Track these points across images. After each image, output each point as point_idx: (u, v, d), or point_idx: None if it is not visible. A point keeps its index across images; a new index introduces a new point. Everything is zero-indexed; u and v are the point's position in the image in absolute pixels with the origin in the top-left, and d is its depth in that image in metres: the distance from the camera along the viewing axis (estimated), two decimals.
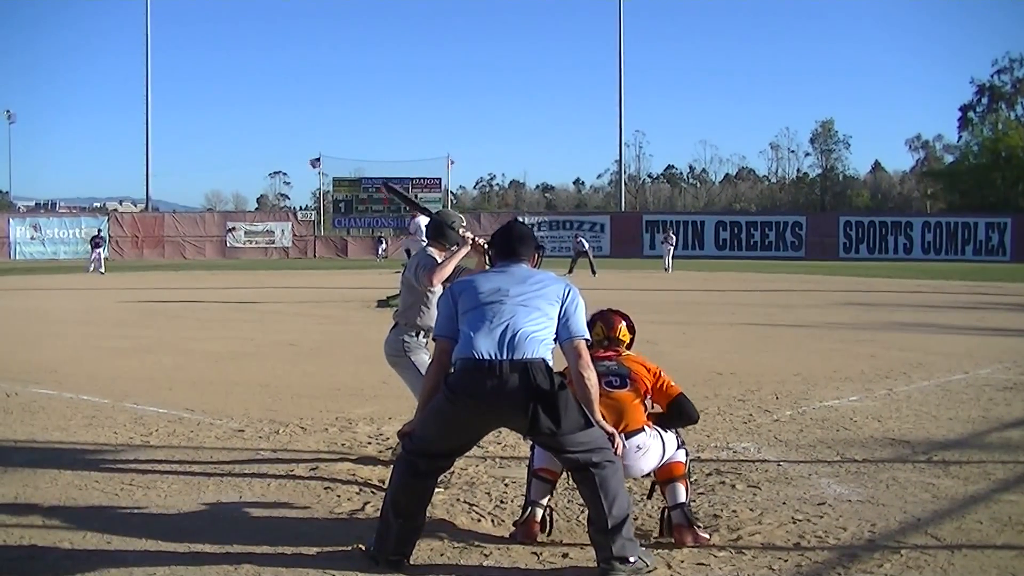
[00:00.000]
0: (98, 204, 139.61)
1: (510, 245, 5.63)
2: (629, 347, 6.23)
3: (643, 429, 5.66)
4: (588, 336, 5.38)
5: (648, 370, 5.93)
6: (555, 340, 5.24)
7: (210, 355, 14.48)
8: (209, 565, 5.23)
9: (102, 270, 43.59)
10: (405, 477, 5.24)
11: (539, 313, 5.21)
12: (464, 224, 7.52)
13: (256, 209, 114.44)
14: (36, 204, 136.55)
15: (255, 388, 11.36)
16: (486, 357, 5.03)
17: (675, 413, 5.97)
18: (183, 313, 22.61)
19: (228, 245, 68.46)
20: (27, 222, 68.64)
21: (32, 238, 65.69)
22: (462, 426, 5.19)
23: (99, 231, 55.12)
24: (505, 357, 5.02)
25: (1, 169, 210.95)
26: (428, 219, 7.92)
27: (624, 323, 6.23)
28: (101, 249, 45.36)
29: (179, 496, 6.67)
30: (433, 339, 5.57)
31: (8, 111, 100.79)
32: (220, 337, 17.14)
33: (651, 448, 5.66)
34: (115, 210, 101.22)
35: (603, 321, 6.22)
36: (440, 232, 7.45)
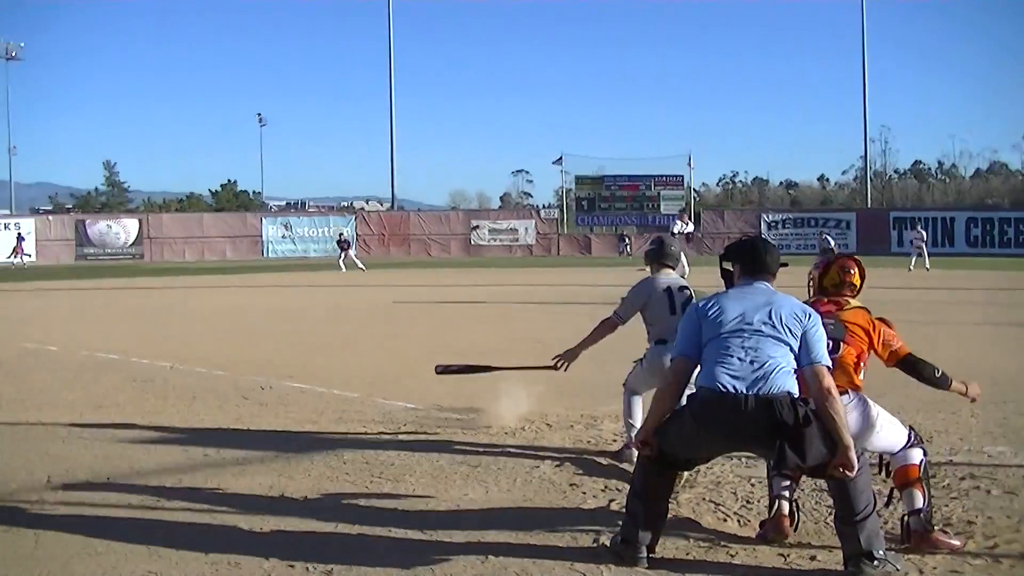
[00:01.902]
0: (346, 203, 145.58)
1: (759, 261, 5.68)
2: (857, 293, 6.26)
3: (845, 392, 5.59)
4: (829, 362, 5.36)
5: (868, 329, 5.94)
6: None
7: (455, 351, 15.10)
8: (457, 556, 5.54)
9: (361, 266, 45.75)
10: (647, 475, 5.45)
11: (782, 342, 5.27)
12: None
13: (500, 207, 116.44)
14: (287, 204, 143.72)
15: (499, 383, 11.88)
16: (730, 391, 5.14)
17: (910, 373, 6.01)
18: (428, 309, 23.49)
19: (472, 243, 69.89)
20: (279, 221, 72.17)
21: (284, 237, 69.21)
22: (703, 445, 5.37)
23: (341, 233, 57.55)
24: (750, 392, 5.12)
25: (254, 170, 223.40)
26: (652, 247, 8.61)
27: (856, 268, 6.26)
28: (351, 250, 47.79)
29: (427, 490, 7.02)
30: (672, 359, 5.70)
31: (259, 115, 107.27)
32: (465, 334, 17.75)
33: (849, 415, 5.52)
34: (362, 209, 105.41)
35: (839, 266, 6.26)
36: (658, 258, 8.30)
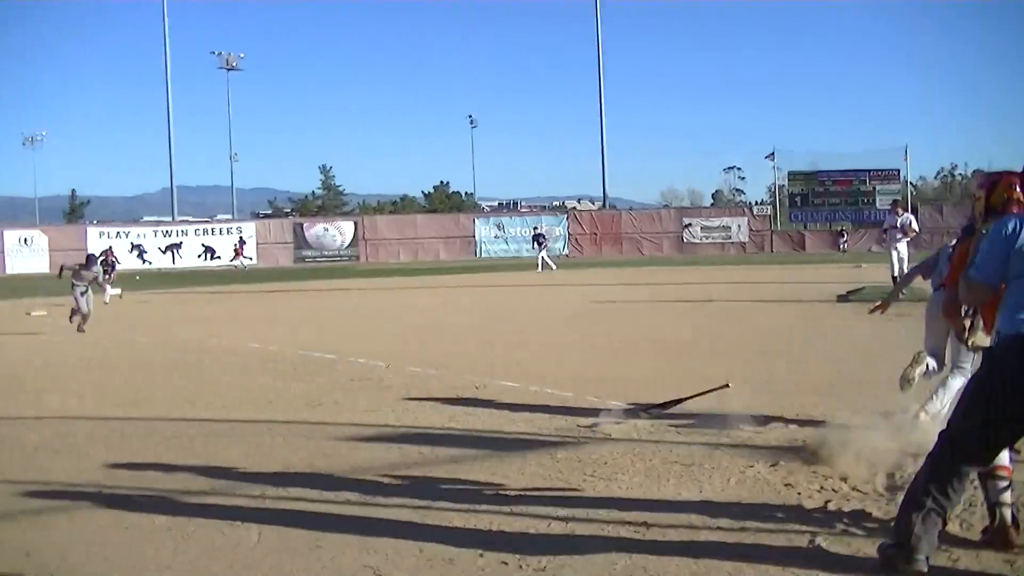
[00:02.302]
0: (557, 203, 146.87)
1: None
2: None
3: None
4: None
5: None
6: None
7: (662, 349, 15.13)
8: (670, 556, 5.51)
9: (552, 267, 46.23)
10: (945, 460, 5.05)
11: None
12: None
13: (711, 204, 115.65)
14: (499, 204, 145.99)
15: (709, 382, 11.79)
16: None
17: None
18: (638, 308, 23.49)
19: (685, 241, 69.62)
20: (491, 222, 73.28)
21: (496, 237, 70.22)
22: (1008, 397, 4.86)
23: (535, 228, 57.85)
24: None
25: (466, 171, 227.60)
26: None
27: (1021, 182, 5.80)
28: (544, 247, 48.17)
29: (640, 488, 7.01)
30: (968, 276, 5.25)
31: (470, 116, 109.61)
32: (674, 331, 17.67)
33: None
34: (574, 208, 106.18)
35: (1005, 183, 5.79)
36: None
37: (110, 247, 32.63)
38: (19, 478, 7.89)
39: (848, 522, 6.05)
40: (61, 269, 22.62)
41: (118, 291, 30.56)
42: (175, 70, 75.79)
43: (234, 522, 6.42)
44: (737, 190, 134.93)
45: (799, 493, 6.83)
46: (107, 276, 28.46)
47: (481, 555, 5.63)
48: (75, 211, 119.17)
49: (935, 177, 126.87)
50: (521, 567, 5.44)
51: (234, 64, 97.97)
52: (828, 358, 13.55)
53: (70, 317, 21.13)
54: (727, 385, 8.72)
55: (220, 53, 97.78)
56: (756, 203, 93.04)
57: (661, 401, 9.78)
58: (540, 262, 46.49)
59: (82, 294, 21.00)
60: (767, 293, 27.09)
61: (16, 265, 62.16)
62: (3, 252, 62.80)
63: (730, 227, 70.50)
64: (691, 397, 9.59)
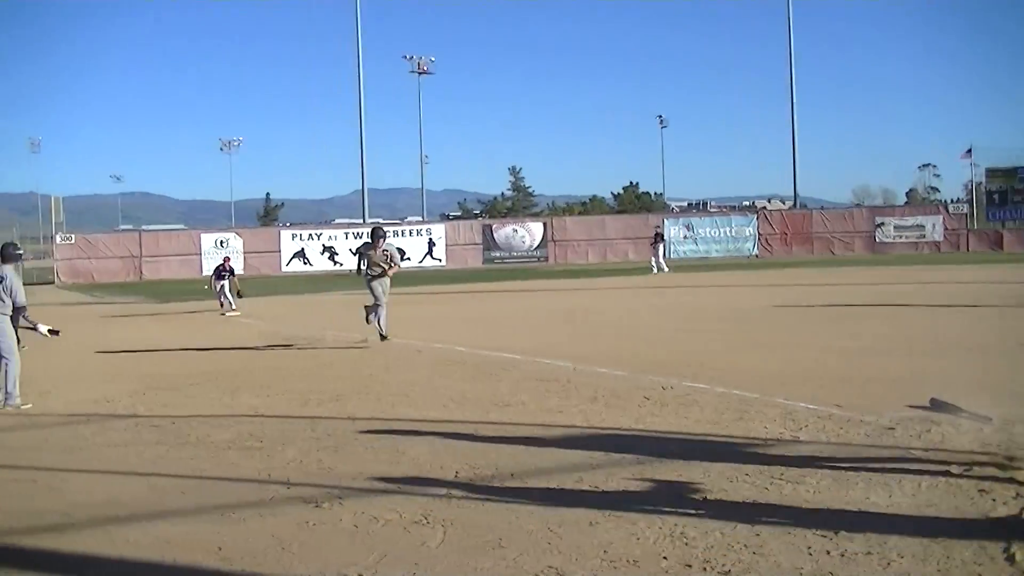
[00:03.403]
0: (747, 202, 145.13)
1: None
2: None
3: None
4: None
5: None
6: None
7: (845, 351, 14.80)
8: (857, 560, 5.43)
9: (665, 269, 45.55)
10: None
11: None
12: None
13: (905, 203, 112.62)
14: (688, 204, 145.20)
15: (894, 383, 11.47)
16: None
17: None
18: (822, 310, 23.05)
19: (877, 240, 67.90)
20: (680, 222, 72.84)
21: (685, 237, 69.67)
22: None
23: (656, 228, 56.43)
24: None
25: (655, 172, 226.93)
26: None
27: None
28: (660, 248, 47.20)
29: (827, 492, 6.89)
30: None
31: (660, 116, 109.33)
32: (857, 332, 17.23)
33: None
34: (764, 208, 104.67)
35: None
36: None
37: (226, 257, 32.86)
38: (211, 474, 8.20)
39: None
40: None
41: (236, 311, 28.66)
42: (367, 75, 77.27)
43: (419, 520, 6.53)
44: (932, 188, 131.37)
45: (994, 499, 6.62)
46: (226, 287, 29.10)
47: (665, 558, 5.61)
48: (269, 214, 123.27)
49: None
50: (705, 570, 5.40)
51: (425, 68, 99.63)
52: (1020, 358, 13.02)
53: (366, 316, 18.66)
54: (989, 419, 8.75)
55: (412, 57, 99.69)
56: (952, 201, 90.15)
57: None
58: (655, 264, 45.86)
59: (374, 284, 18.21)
60: (957, 293, 26.12)
61: (212, 266, 64.34)
62: (200, 254, 65.10)
63: (924, 226, 68.26)
64: None
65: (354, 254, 21.36)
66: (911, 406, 9.75)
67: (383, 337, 17.84)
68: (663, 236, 50.64)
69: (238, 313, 28.18)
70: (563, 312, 25.57)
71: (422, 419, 10.32)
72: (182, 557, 5.97)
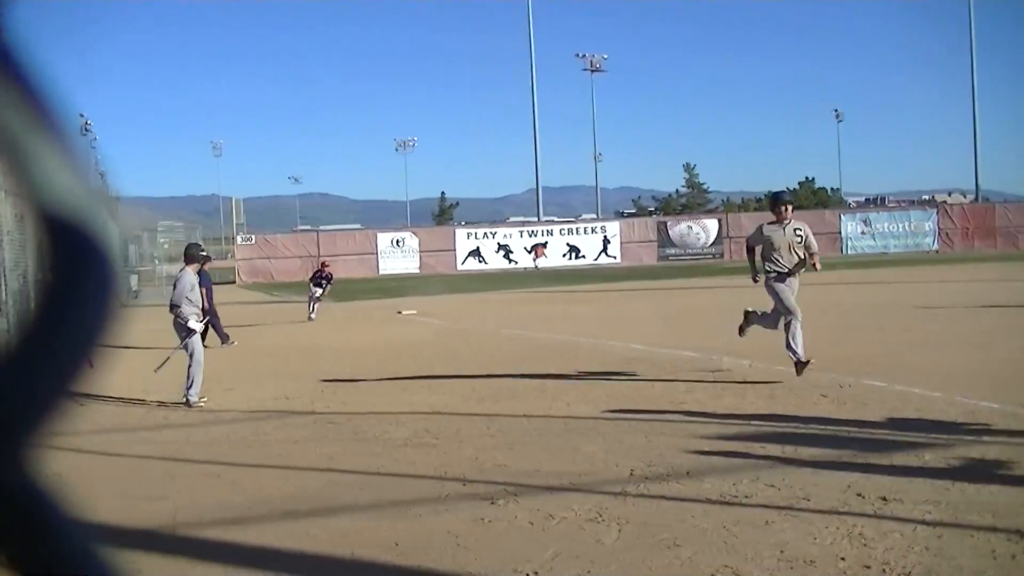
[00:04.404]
0: (926, 196, 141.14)
1: None
2: None
3: None
4: None
5: None
6: None
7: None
8: (965, 561, 5.31)
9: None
10: None
11: None
12: None
13: None
14: (866, 199, 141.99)
15: None
16: None
17: None
18: (1007, 308, 22.17)
19: None
20: (857, 217, 71.36)
21: (863, 233, 68.29)
22: None
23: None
24: None
25: (831, 166, 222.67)
26: None
27: None
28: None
29: (1013, 495, 6.69)
30: None
31: (836, 110, 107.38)
32: None
33: None
34: (944, 202, 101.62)
35: None
36: None
37: (324, 262, 30.94)
38: (388, 471, 8.34)
39: None
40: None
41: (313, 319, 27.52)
42: (540, 73, 77.81)
43: (594, 518, 6.53)
44: None
45: None
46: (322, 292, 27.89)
47: (842, 559, 5.51)
48: (444, 213, 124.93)
49: None
50: (884, 572, 5.29)
51: (598, 66, 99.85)
52: None
53: None
54: None
55: (584, 55, 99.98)
56: None
57: None
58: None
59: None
60: None
61: (388, 266, 65.65)
62: (377, 253, 66.42)
63: None
64: None
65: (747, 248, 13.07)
66: None
67: (801, 364, 12.07)
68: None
69: (313, 321, 26.96)
70: (739, 309, 25.27)
71: (598, 417, 10.34)
72: (360, 551, 6.09)
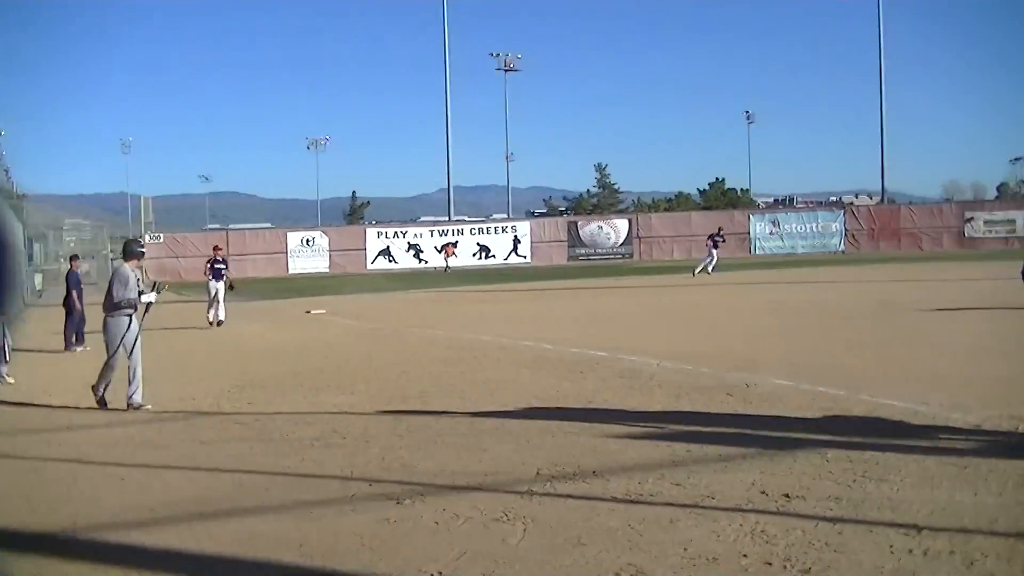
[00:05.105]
0: (834, 198, 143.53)
1: None
2: None
3: None
4: None
5: None
6: None
7: (943, 347, 14.62)
8: (939, 561, 5.37)
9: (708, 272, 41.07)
10: None
11: None
12: None
13: (996, 198, 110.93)
14: (775, 200, 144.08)
15: (994, 381, 11.33)
16: None
17: None
18: (913, 307, 22.60)
19: (966, 236, 66.98)
20: (766, 218, 72.25)
21: (771, 233, 69.14)
22: None
23: (719, 228, 52.65)
24: None
25: (742, 168, 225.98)
26: None
27: None
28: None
29: (911, 490, 6.79)
30: None
31: (747, 112, 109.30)
32: (950, 330, 17.18)
33: None
34: (851, 203, 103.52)
35: None
36: None
37: (216, 247, 29.12)
38: (295, 471, 8.28)
39: None
40: None
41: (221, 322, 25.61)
42: (454, 73, 77.70)
43: (500, 517, 6.54)
44: None
45: None
46: None
47: (745, 556, 5.57)
48: (355, 212, 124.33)
49: None
50: (786, 568, 5.36)
51: (512, 65, 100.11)
52: None
53: None
54: None
55: (499, 54, 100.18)
56: None
57: None
58: (704, 265, 42.09)
59: None
60: None
61: (298, 265, 65.14)
62: (287, 252, 65.90)
63: (1015, 220, 67.29)
64: None
65: None
66: None
67: None
68: (722, 238, 46.93)
69: (217, 326, 25.22)
70: (647, 309, 25.51)
71: (506, 416, 10.35)
72: (265, 553, 6.03)
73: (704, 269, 41.67)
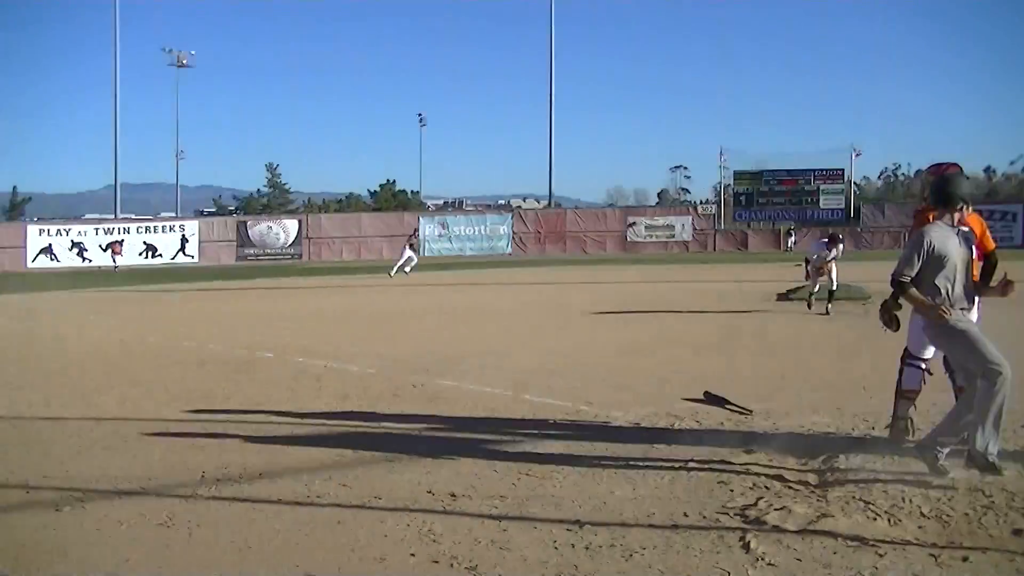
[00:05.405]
0: (503, 201, 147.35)
1: None
2: None
3: None
4: None
5: None
6: None
7: (606, 347, 15.29)
8: (601, 553, 5.60)
9: (405, 272, 41.76)
10: None
11: None
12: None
13: (657, 204, 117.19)
14: (444, 203, 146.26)
15: (653, 380, 11.88)
16: None
17: None
18: (580, 307, 23.48)
19: (628, 240, 70.44)
20: (435, 220, 73.45)
21: (440, 235, 70.35)
22: None
23: (415, 230, 56.11)
24: None
25: (413, 170, 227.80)
26: None
27: None
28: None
29: (573, 487, 7.05)
30: None
31: (420, 115, 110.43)
32: (613, 331, 17.79)
33: None
34: (519, 207, 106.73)
35: None
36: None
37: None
38: None
39: (778, 519, 6.15)
40: None
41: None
42: (124, 66, 75.11)
43: (164, 522, 6.42)
44: (683, 189, 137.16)
45: (731, 491, 6.90)
46: None
47: (412, 555, 5.67)
48: (15, 208, 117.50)
49: (878, 177, 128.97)
50: (452, 566, 5.48)
51: (185, 62, 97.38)
52: (758, 353, 13.77)
53: None
54: (750, 412, 9.49)
55: (171, 50, 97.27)
56: (701, 202, 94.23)
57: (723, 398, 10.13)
58: (399, 267, 42.08)
59: None
60: (707, 291, 27.26)
61: None
62: None
63: (674, 226, 71.54)
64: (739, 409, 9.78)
65: None
66: (686, 399, 10.29)
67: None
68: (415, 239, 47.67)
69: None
70: (316, 310, 25.40)
71: (170, 419, 10.09)
72: None
73: (401, 269, 41.92)
